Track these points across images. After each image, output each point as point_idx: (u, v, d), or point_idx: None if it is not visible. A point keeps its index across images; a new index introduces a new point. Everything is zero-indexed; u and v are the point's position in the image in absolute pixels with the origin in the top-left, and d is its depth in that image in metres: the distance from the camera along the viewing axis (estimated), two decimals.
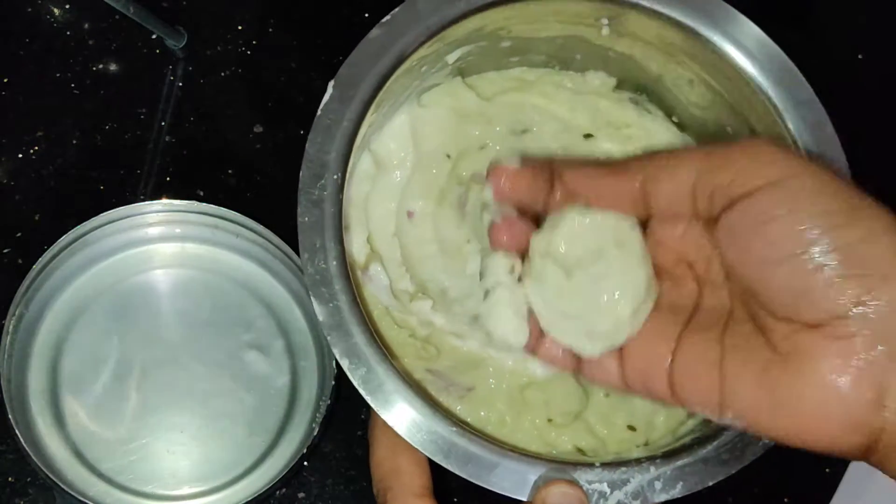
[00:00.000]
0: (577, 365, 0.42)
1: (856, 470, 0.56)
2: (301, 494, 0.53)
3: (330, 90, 0.43)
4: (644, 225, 0.41)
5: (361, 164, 0.49)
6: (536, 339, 0.42)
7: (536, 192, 0.41)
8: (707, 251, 0.39)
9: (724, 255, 0.37)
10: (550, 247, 0.40)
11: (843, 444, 0.34)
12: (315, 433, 0.50)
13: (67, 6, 0.59)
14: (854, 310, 0.32)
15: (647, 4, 0.45)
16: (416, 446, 0.41)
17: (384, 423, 0.41)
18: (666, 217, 0.39)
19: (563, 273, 0.40)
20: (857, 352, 0.32)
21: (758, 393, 0.35)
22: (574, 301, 0.40)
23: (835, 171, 0.35)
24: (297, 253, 0.42)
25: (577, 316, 0.40)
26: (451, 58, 0.48)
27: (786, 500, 0.56)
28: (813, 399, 0.33)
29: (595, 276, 0.39)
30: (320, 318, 0.41)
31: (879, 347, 0.32)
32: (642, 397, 0.40)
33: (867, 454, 0.34)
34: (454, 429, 0.41)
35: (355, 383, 0.41)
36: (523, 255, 0.42)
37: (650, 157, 0.39)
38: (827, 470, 0.57)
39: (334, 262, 0.41)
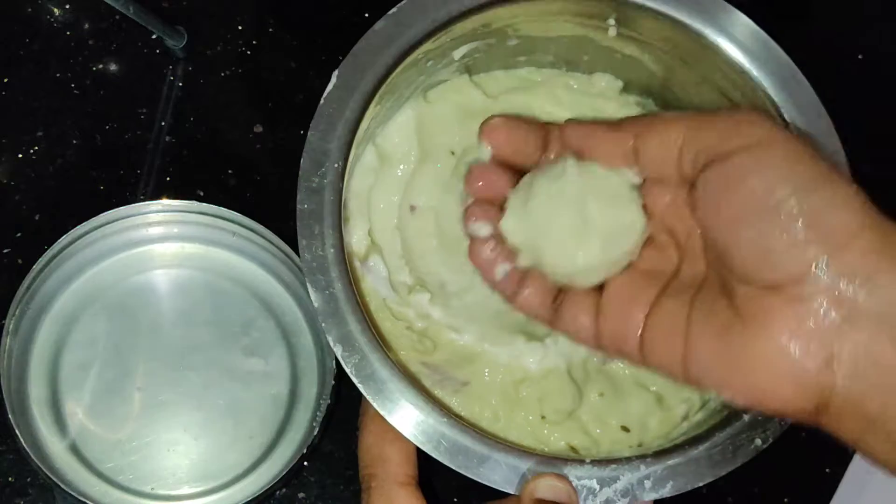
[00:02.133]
0: (552, 316, 0.42)
1: (856, 470, 0.56)
2: (301, 494, 0.53)
3: (333, 80, 0.43)
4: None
5: (365, 158, 0.49)
6: (515, 288, 0.42)
7: (529, 148, 0.43)
8: (689, 223, 0.40)
9: (698, 213, 0.38)
10: (539, 179, 0.41)
11: (794, 405, 0.35)
12: (315, 433, 0.50)
13: (67, 6, 0.59)
14: (812, 273, 0.33)
15: (652, 5, 0.45)
16: (406, 436, 0.41)
17: (374, 411, 0.41)
18: (654, 179, 0.40)
19: (548, 202, 0.41)
20: (811, 315, 0.34)
21: (717, 352, 0.36)
22: (555, 225, 0.40)
23: (811, 143, 0.37)
24: (298, 251, 0.42)
25: (556, 240, 0.40)
26: (458, 54, 0.48)
27: (786, 500, 0.56)
28: (767, 359, 0.34)
29: (578, 207, 0.40)
30: (316, 304, 0.41)
31: (833, 312, 0.33)
32: (611, 357, 0.41)
33: (818, 417, 0.35)
34: (445, 420, 0.41)
35: (348, 371, 0.41)
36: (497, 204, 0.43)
37: (644, 116, 0.41)
38: (827, 470, 0.57)
39: (332, 250, 0.42)
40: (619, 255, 0.41)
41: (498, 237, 0.43)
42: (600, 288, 0.41)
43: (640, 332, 0.39)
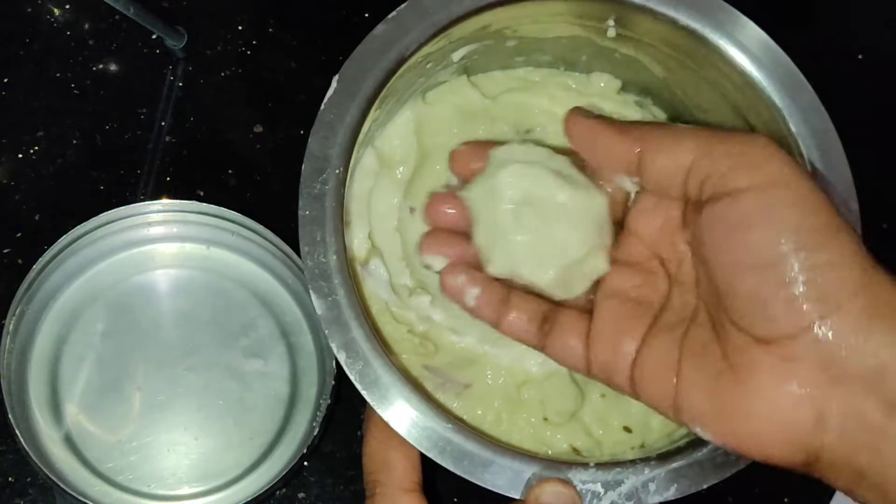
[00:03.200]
0: (542, 340, 0.42)
1: None
2: (301, 494, 0.53)
3: (334, 85, 0.43)
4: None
5: (364, 161, 0.49)
6: (499, 312, 0.43)
7: None
8: (680, 252, 0.40)
9: (700, 247, 0.38)
10: (496, 182, 0.42)
11: (783, 459, 0.35)
12: (315, 433, 0.50)
13: (67, 6, 0.59)
14: (805, 332, 0.33)
15: (652, 6, 0.45)
16: (410, 442, 0.41)
17: (379, 416, 0.41)
18: (652, 191, 0.40)
19: (511, 206, 0.42)
20: (802, 375, 0.34)
21: (708, 401, 0.36)
22: (522, 236, 0.42)
23: (822, 185, 0.36)
24: (297, 251, 0.42)
25: (526, 250, 0.42)
26: (457, 56, 0.48)
27: (786, 500, 0.56)
28: (756, 416, 0.35)
29: (543, 214, 0.41)
30: (319, 311, 0.41)
31: (823, 373, 0.33)
32: (604, 384, 0.41)
33: (808, 468, 0.35)
34: (449, 425, 0.41)
35: (352, 378, 0.41)
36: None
37: (653, 127, 0.40)
38: None
39: (334, 257, 0.41)
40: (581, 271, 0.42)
41: (464, 263, 0.43)
42: (590, 312, 0.42)
43: (630, 365, 0.39)
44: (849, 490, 0.35)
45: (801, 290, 0.33)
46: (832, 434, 0.34)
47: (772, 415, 0.34)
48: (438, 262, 0.44)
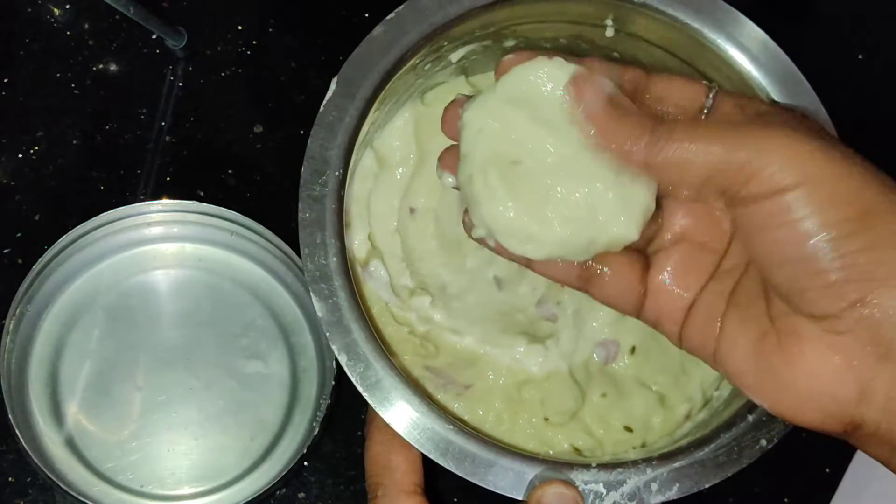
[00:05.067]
0: (584, 284, 0.39)
1: (856, 470, 0.56)
2: (301, 494, 0.53)
3: (333, 86, 0.43)
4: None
5: (364, 162, 0.49)
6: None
7: None
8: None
9: (739, 235, 0.37)
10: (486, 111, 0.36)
11: (821, 427, 0.35)
12: (315, 433, 0.50)
13: (67, 6, 0.59)
14: (848, 310, 0.33)
15: (651, 5, 0.45)
16: (412, 444, 0.41)
17: (381, 419, 0.41)
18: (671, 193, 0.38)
19: (508, 153, 0.36)
20: (847, 348, 0.33)
21: (748, 360, 0.36)
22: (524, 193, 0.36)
23: (855, 163, 0.34)
24: (298, 252, 0.42)
25: (506, 222, 0.36)
26: (455, 56, 0.48)
27: (786, 500, 0.56)
28: (798, 384, 0.34)
29: (531, 170, 0.36)
30: (319, 314, 0.41)
31: (869, 348, 0.33)
32: (650, 326, 0.40)
33: (843, 436, 0.35)
34: (451, 427, 0.41)
35: (353, 380, 0.41)
36: None
37: (673, 128, 0.35)
38: (827, 470, 0.57)
39: (334, 259, 0.42)
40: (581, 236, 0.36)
41: None
42: (641, 251, 0.39)
43: (684, 313, 0.38)
44: (885, 461, 0.35)
45: (838, 275, 0.33)
46: (875, 410, 0.33)
47: (814, 385, 0.34)
48: (449, 181, 0.40)
